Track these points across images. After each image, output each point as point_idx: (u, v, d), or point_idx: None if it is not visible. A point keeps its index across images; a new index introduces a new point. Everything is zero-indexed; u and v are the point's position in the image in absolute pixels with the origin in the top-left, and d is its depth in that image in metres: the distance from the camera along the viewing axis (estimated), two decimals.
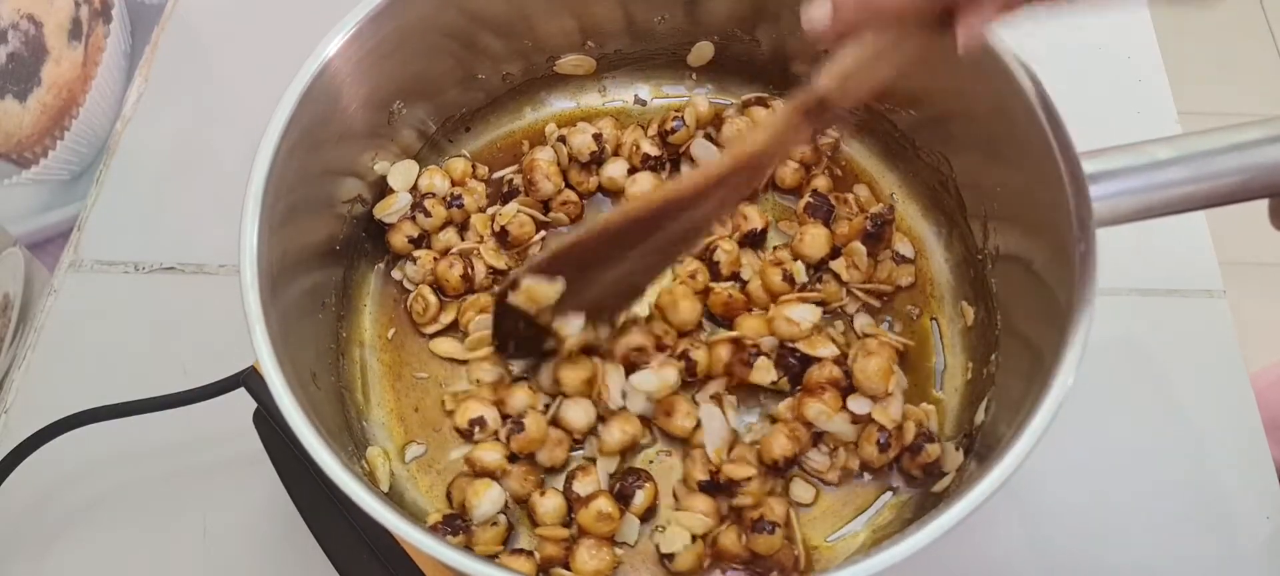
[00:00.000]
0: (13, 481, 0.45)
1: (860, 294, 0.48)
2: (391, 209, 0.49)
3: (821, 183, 0.51)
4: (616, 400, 0.44)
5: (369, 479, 0.43)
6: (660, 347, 0.46)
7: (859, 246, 0.48)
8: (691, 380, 0.46)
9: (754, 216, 0.49)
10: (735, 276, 0.48)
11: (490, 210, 0.50)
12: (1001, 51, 0.40)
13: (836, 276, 0.48)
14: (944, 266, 0.49)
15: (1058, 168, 0.38)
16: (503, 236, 0.49)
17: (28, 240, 0.55)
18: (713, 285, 0.48)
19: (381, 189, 0.49)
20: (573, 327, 0.44)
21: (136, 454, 0.50)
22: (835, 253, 0.48)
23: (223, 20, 0.66)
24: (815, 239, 0.48)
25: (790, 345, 0.45)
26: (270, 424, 0.43)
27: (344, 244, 0.48)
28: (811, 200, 0.49)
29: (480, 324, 0.46)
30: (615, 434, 0.44)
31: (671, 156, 0.52)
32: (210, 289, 0.55)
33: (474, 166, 0.52)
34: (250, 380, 0.43)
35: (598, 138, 0.50)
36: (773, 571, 0.42)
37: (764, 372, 0.45)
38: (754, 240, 0.49)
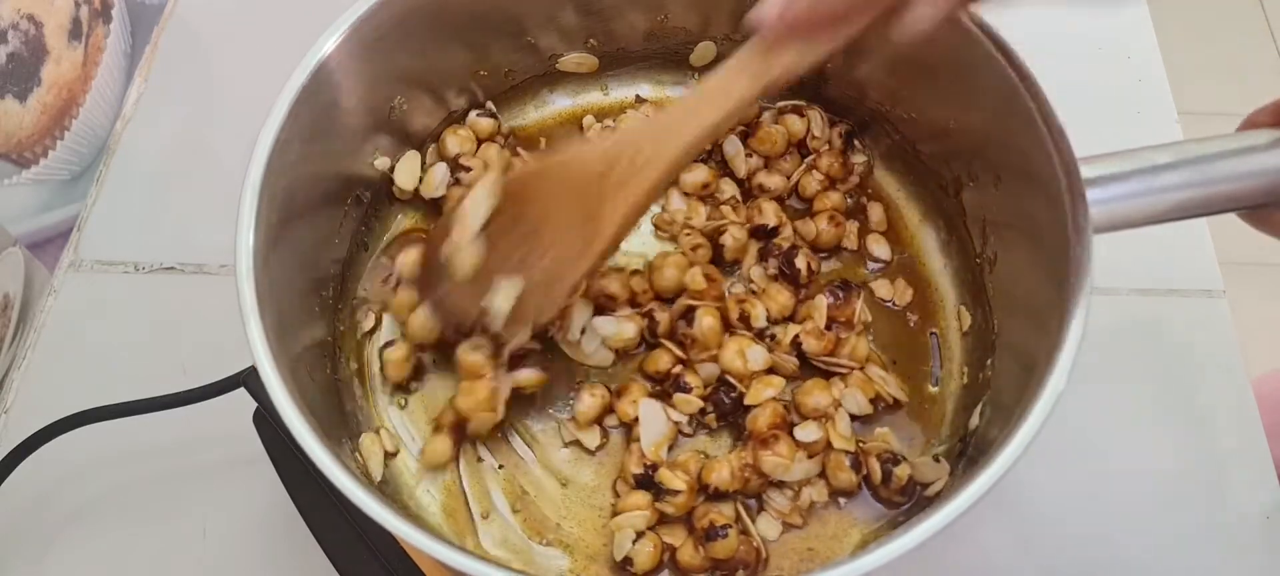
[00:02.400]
0: (13, 481, 0.45)
1: (820, 365, 0.46)
2: (434, 183, 0.49)
3: (836, 200, 0.49)
4: (574, 333, 0.45)
5: (362, 469, 0.43)
6: (633, 302, 0.46)
7: (821, 303, 0.46)
8: (653, 340, 0.46)
9: (769, 213, 0.49)
10: (739, 262, 0.48)
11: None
12: (1000, 54, 0.40)
13: (798, 344, 0.45)
14: (943, 270, 0.49)
15: (1056, 173, 0.38)
16: None
17: (28, 240, 0.55)
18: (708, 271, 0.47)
19: (382, 185, 0.49)
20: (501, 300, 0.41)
21: (136, 454, 0.50)
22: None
23: (223, 20, 0.66)
24: (781, 300, 0.47)
25: (729, 380, 0.44)
26: (270, 424, 0.43)
27: (342, 238, 0.48)
28: (783, 268, 0.47)
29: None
30: (587, 400, 0.44)
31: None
32: (210, 289, 0.55)
33: (499, 124, 0.52)
34: (250, 380, 0.43)
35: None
36: (738, 571, 0.41)
37: (688, 406, 0.44)
38: (763, 235, 0.49)
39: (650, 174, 0.38)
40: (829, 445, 0.43)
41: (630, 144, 0.39)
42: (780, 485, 0.43)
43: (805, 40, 0.35)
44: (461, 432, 0.44)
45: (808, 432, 0.43)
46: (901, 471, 0.42)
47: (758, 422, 0.43)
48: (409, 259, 0.45)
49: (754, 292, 0.47)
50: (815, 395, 0.44)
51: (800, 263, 0.47)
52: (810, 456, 0.43)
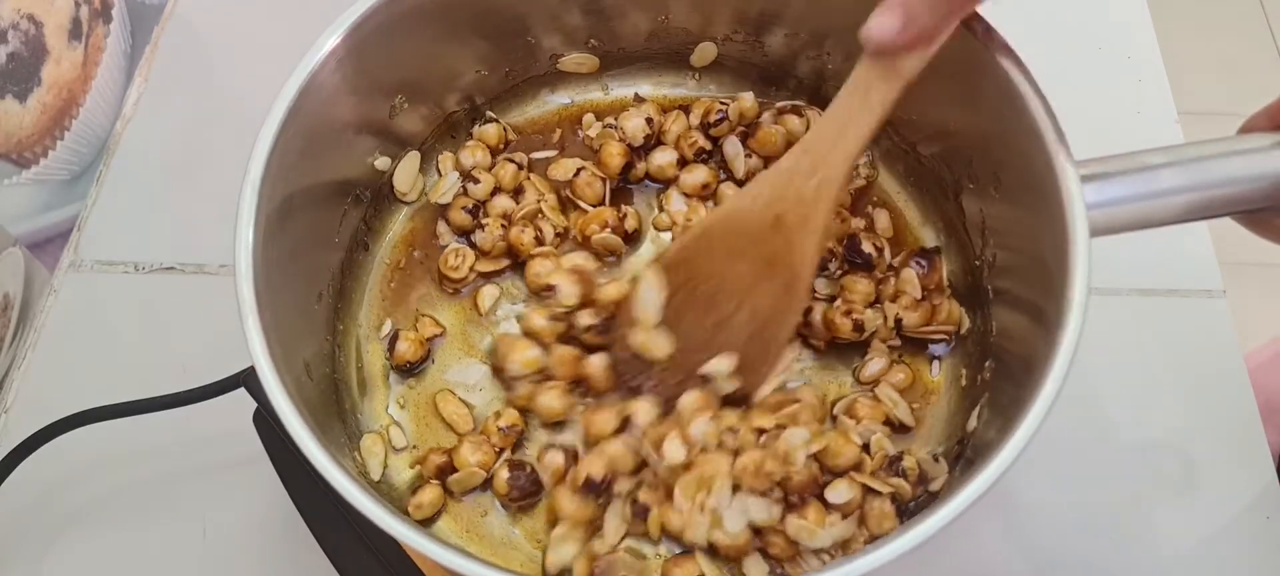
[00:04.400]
0: (13, 481, 0.46)
1: (920, 335, 0.46)
2: (443, 189, 0.50)
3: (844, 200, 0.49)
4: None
5: (361, 469, 0.43)
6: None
7: (910, 275, 0.46)
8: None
9: None
10: None
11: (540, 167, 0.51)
12: (1000, 55, 0.40)
13: (898, 323, 0.45)
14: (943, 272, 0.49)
15: (1055, 175, 0.37)
16: (564, 200, 0.50)
17: (28, 240, 0.55)
18: None
19: (381, 185, 0.49)
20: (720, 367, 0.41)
21: (136, 454, 0.50)
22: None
23: (223, 20, 0.66)
24: (862, 288, 0.46)
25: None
26: (270, 424, 0.44)
27: (341, 236, 0.48)
28: (851, 258, 0.47)
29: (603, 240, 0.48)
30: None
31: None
32: (210, 289, 0.55)
33: (506, 130, 0.52)
34: (250, 380, 0.43)
35: (650, 121, 0.50)
36: None
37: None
38: None
39: (825, 202, 0.39)
40: (867, 491, 0.41)
41: (786, 181, 0.40)
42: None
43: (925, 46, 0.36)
44: (445, 479, 0.44)
45: (838, 493, 0.41)
46: (909, 463, 0.41)
47: (791, 483, 0.41)
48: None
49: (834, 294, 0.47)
50: (844, 451, 0.42)
51: (867, 247, 0.47)
52: (845, 517, 0.41)
